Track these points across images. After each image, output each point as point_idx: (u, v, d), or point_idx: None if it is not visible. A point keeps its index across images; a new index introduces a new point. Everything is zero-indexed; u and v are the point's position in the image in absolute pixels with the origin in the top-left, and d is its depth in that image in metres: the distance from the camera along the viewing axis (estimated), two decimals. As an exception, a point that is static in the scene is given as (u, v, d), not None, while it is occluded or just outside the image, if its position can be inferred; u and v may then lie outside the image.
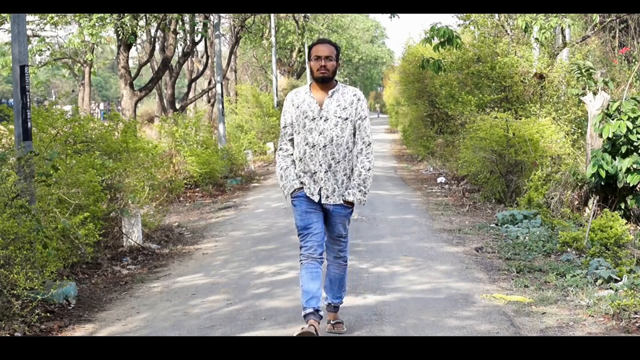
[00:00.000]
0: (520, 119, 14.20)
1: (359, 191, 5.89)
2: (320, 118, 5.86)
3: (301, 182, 5.91)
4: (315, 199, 5.88)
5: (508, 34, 16.86)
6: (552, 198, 11.34)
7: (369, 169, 5.93)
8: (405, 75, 25.90)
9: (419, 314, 6.58)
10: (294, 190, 5.92)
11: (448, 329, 6.13)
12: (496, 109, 15.34)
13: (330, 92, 5.89)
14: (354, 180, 5.89)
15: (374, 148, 5.98)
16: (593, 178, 10.03)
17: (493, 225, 11.06)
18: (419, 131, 25.01)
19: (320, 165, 5.86)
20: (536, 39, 14.63)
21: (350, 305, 6.83)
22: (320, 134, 5.85)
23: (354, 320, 6.40)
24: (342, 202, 5.87)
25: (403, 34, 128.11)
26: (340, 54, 6.15)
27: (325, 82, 5.88)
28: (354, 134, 5.92)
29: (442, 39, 12.42)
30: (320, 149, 5.85)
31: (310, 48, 6.01)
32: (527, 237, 9.73)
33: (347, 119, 5.86)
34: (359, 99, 5.92)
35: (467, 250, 9.44)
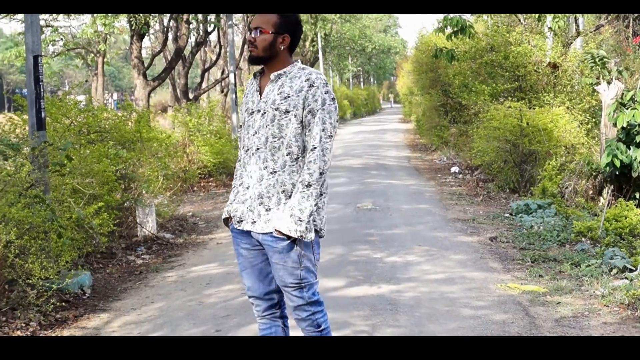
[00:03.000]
0: (534, 109, 14.14)
1: (291, 216, 3.88)
2: (258, 111, 4.05)
3: (229, 211, 4.18)
4: (243, 227, 4.07)
5: (521, 23, 16.77)
6: (567, 188, 11.30)
7: (309, 185, 3.89)
8: (419, 64, 25.83)
9: (433, 303, 6.58)
10: (224, 221, 4.26)
11: (462, 318, 6.12)
12: (510, 98, 15.29)
13: (273, 76, 4.04)
14: (289, 200, 3.97)
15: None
16: (607, 167, 9.98)
17: (507, 214, 11.03)
18: (432, 121, 24.93)
19: (251, 177, 4.05)
20: (549, 28, 14.56)
21: (364, 295, 6.84)
22: (255, 133, 4.04)
23: (369, 310, 6.41)
24: (272, 230, 3.96)
25: (416, 23, 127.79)
26: (303, 23, 3.80)
27: (261, 63, 4.08)
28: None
29: (455, 29, 12.33)
30: (252, 153, 4.05)
31: None
32: (541, 227, 9.70)
33: (287, 112, 3.94)
34: (311, 85, 3.93)
35: (481, 239, 9.42)
